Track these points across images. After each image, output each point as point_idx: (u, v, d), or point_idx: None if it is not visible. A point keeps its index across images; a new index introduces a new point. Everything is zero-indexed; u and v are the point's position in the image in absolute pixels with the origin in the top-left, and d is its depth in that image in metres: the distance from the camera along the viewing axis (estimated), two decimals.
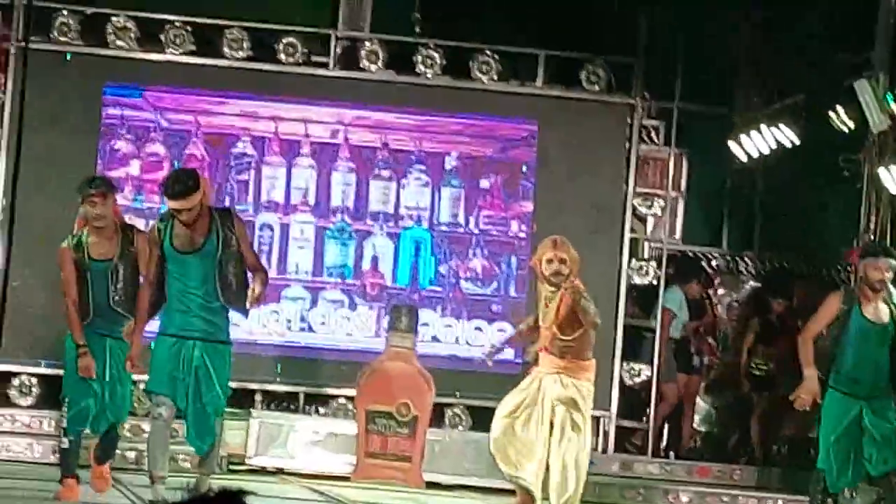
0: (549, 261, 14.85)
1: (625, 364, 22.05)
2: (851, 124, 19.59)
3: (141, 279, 14.74)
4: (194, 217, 14.20)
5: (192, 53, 21.47)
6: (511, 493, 18.66)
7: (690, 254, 23.31)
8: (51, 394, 19.66)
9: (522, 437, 15.10)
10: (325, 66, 21.90)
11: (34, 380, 20.66)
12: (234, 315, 20.15)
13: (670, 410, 22.89)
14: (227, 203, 21.35)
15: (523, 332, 16.06)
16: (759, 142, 21.69)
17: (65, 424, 14.92)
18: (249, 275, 14.36)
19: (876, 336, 15.59)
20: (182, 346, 14.16)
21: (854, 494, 19.19)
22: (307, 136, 22.34)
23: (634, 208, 22.10)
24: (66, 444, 14.81)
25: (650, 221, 22.39)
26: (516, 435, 15.13)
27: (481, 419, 20.42)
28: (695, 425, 23.52)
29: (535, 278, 15.49)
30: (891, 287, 15.64)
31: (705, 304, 22.99)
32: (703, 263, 23.51)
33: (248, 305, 14.59)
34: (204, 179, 14.94)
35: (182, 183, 14.38)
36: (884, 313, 15.52)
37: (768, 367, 22.58)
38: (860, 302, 15.61)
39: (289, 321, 22.16)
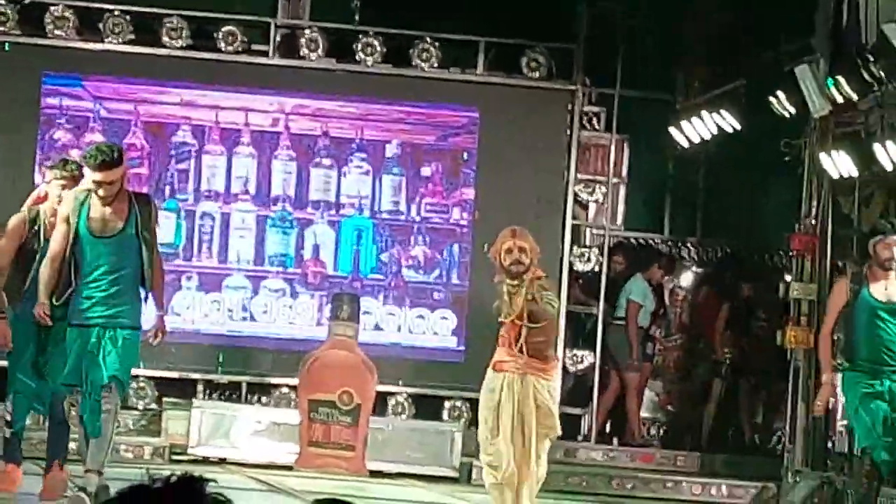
0: (509, 250, 14.43)
1: (567, 351, 21.85)
2: (792, 110, 19.74)
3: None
4: (113, 194, 14.05)
5: (131, 42, 21.42)
6: (452, 480, 20.16)
7: (633, 240, 23.41)
8: None
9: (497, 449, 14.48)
10: (264, 54, 21.95)
11: None
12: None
13: (637, 398, 22.84)
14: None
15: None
16: (700, 128, 21.78)
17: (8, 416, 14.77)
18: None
19: (891, 316, 15.37)
20: (85, 333, 13.93)
21: (798, 479, 19.51)
22: (247, 124, 22.47)
23: (576, 195, 22.14)
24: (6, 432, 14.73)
25: (592, 208, 22.43)
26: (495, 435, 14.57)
27: (425, 407, 21.71)
28: (648, 413, 23.60)
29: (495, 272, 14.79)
30: None
31: (661, 291, 23.01)
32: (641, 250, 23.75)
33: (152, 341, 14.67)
34: (125, 160, 14.93)
35: (105, 154, 14.22)
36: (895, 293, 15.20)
37: (733, 354, 22.84)
38: (869, 283, 15.45)
39: (230, 311, 22.24)
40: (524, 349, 14.37)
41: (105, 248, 13.97)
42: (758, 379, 22.99)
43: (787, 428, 21.09)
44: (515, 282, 14.29)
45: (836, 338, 15.92)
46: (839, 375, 15.77)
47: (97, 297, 13.87)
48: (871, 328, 15.32)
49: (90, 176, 14.03)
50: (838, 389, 16.26)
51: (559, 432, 14.92)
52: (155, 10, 21.59)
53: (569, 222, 22.17)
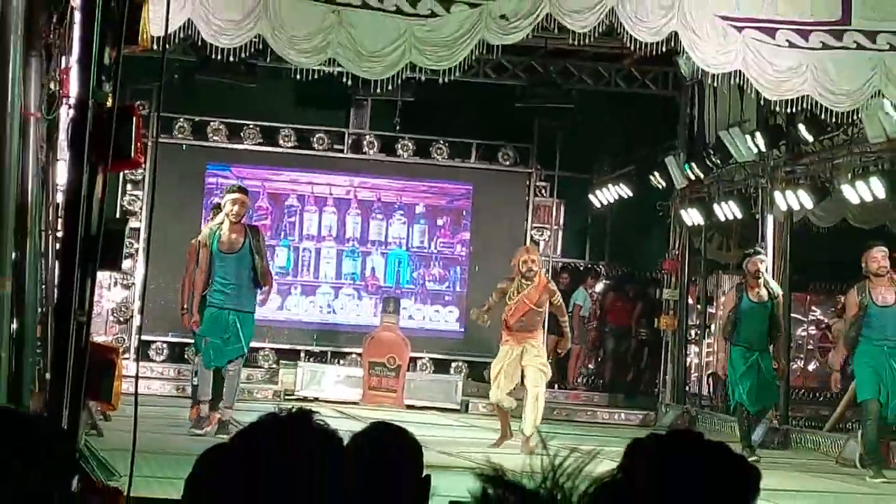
0: (524, 262, 14.67)
1: None
2: (664, 183, 20.44)
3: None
4: (241, 215, 13.92)
5: (260, 144, 21.60)
6: (456, 411, 19.95)
7: (569, 264, 23.24)
8: (174, 355, 20.55)
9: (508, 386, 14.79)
10: (341, 150, 22.04)
11: (164, 345, 20.62)
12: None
13: (576, 360, 22.71)
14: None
15: (491, 306, 15.44)
16: (607, 195, 22.01)
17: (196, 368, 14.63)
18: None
19: (760, 311, 15.17)
20: (222, 314, 13.79)
21: (667, 409, 20.19)
22: (331, 194, 22.35)
23: (532, 236, 22.05)
24: (195, 381, 14.52)
25: (542, 244, 21.86)
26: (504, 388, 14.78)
27: (438, 366, 21.71)
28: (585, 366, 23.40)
29: (511, 275, 14.98)
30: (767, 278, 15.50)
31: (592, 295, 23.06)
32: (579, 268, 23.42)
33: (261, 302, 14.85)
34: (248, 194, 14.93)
35: (239, 186, 14.64)
36: (890, 296, 13.60)
37: (647, 332, 22.55)
38: (746, 290, 15.18)
39: (321, 307, 22.17)
40: (531, 325, 14.73)
41: (230, 260, 13.72)
42: (648, 346, 22.75)
43: (661, 377, 21.32)
44: (528, 282, 14.53)
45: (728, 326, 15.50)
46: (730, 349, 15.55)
47: (228, 291, 13.69)
48: (748, 320, 15.01)
49: (229, 198, 13.95)
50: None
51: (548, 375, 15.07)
52: (274, 124, 21.57)
53: None
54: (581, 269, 23.54)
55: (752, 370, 15.04)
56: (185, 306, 14.16)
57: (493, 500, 1.32)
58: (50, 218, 8.63)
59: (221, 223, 14.05)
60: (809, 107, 13.20)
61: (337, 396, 19.99)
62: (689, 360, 21.39)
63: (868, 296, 13.40)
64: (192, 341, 15.23)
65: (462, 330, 22.39)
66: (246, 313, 14.16)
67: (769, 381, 15.33)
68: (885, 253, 13.45)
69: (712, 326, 21.48)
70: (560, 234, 22.97)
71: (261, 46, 12.46)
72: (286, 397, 19.75)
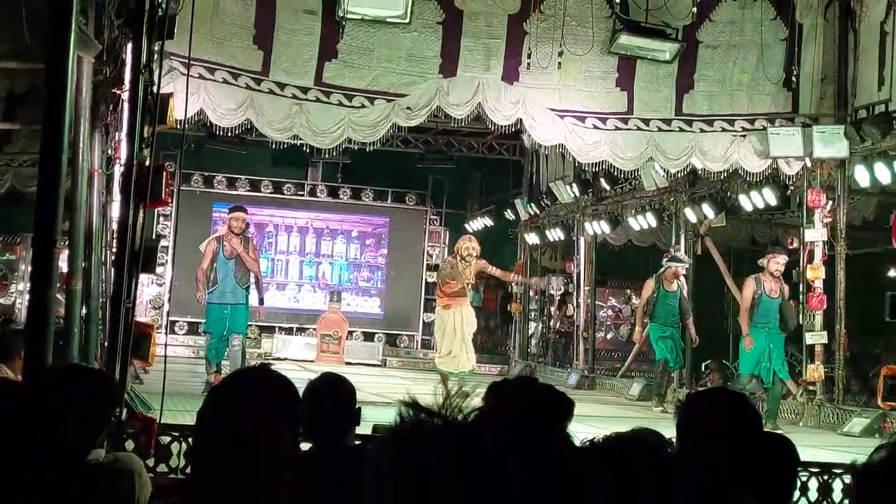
0: (466, 247, 13.07)
1: (423, 313, 21.66)
2: (513, 217, 20.38)
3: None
4: (242, 228, 12.63)
5: (248, 190, 21.22)
6: (378, 366, 19.62)
7: None
8: (191, 330, 20.13)
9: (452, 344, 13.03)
10: (302, 195, 21.67)
11: (185, 323, 20.31)
12: (268, 297, 18.69)
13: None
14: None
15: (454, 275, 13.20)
16: (477, 225, 21.62)
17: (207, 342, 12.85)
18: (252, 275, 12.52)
19: (672, 298, 13.70)
20: (223, 310, 12.41)
21: (515, 364, 19.83)
22: (295, 223, 21.97)
23: (428, 253, 22.01)
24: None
25: (434, 256, 21.81)
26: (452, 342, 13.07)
27: (367, 337, 21.27)
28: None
29: (453, 260, 13.22)
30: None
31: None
32: None
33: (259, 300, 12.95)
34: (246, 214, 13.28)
35: (240, 208, 13.21)
36: (775, 292, 12.04)
37: (504, 313, 22.11)
38: (663, 282, 13.61)
39: (289, 298, 21.79)
40: (464, 295, 13.11)
41: (230, 264, 12.35)
42: (505, 322, 22.53)
43: (512, 343, 21.28)
44: (466, 263, 13.01)
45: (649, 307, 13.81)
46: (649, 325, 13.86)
47: (227, 290, 12.35)
48: (664, 303, 13.47)
49: (232, 215, 12.71)
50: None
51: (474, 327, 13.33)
52: (257, 177, 21.30)
53: (424, 267, 21.95)
54: None
55: (667, 339, 13.63)
56: (201, 289, 12.73)
57: (406, 419, 1.34)
58: (108, 239, 8.69)
59: (224, 234, 12.90)
60: (607, 167, 13.27)
61: (299, 357, 19.60)
62: (529, 331, 21.45)
63: (762, 289, 12.06)
64: (204, 322, 13.61)
65: (382, 313, 22.33)
66: (241, 305, 12.79)
67: (679, 349, 13.82)
68: (785, 260, 12.18)
69: (544, 309, 21.42)
70: (446, 250, 22.18)
71: (249, 126, 12.35)
72: (266, 357, 19.21)
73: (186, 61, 8.61)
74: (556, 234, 19.56)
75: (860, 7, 12.22)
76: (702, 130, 12.66)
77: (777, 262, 11.99)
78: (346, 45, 11.94)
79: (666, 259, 14.09)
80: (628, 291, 21.91)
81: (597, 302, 19.90)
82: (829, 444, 10.15)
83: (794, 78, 12.48)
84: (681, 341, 13.87)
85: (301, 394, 2.89)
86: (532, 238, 20.53)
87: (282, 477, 2.36)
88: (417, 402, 1.37)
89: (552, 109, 12.39)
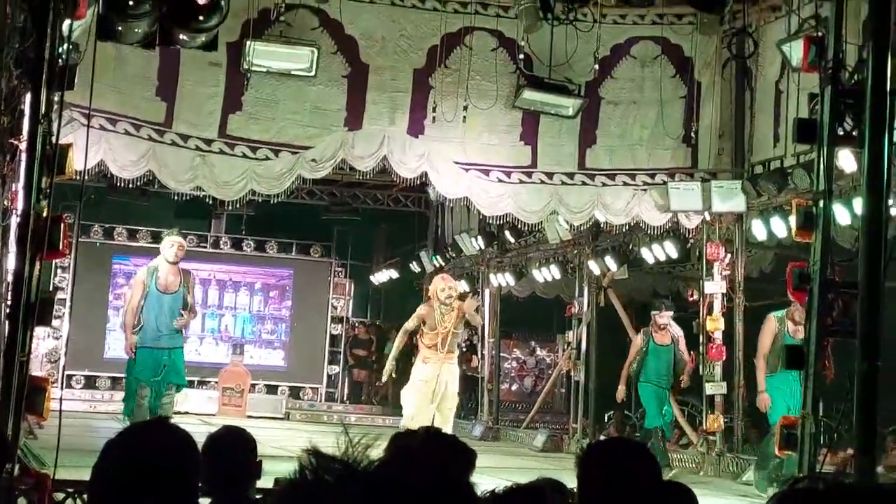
0: (443, 290, 11.78)
1: (328, 366, 21.78)
2: (419, 269, 20.26)
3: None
4: (178, 258, 11.46)
5: (149, 242, 19.88)
6: (282, 419, 19.18)
7: (356, 321, 22.41)
8: (88, 384, 19.85)
9: (429, 407, 11.48)
10: (205, 247, 21.30)
11: (81, 377, 19.90)
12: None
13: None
14: None
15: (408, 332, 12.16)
16: (382, 277, 21.77)
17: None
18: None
19: (665, 353, 12.48)
20: (162, 354, 11.20)
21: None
22: (198, 275, 18.87)
23: (333, 305, 21.87)
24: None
25: (339, 308, 21.79)
26: (425, 408, 11.49)
27: (270, 389, 21.03)
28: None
29: (428, 307, 12.00)
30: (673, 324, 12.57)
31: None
32: (363, 325, 22.63)
33: (177, 326, 11.47)
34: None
35: (180, 232, 12.09)
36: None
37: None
38: (652, 335, 12.51)
39: (190, 351, 19.20)
40: (446, 347, 11.63)
41: (166, 300, 11.24)
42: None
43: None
44: (446, 307, 11.66)
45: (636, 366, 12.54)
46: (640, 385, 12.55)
47: (162, 331, 11.15)
48: (655, 358, 12.26)
49: (169, 241, 11.53)
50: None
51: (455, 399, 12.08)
52: (159, 229, 17.87)
53: (329, 314, 21.75)
54: (369, 324, 23.00)
55: (662, 403, 12.53)
56: (130, 334, 11.31)
57: (307, 468, 1.33)
58: (2, 291, 8.45)
59: (158, 266, 11.52)
60: (512, 220, 13.40)
61: (201, 410, 19.20)
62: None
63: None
64: (126, 371, 11.82)
65: (285, 365, 22.10)
66: (179, 349, 11.59)
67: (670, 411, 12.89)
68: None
69: None
70: (351, 302, 22.65)
71: (151, 177, 12.19)
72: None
73: (87, 112, 8.51)
74: (461, 286, 19.58)
75: (756, 66, 12.57)
76: (604, 184, 12.83)
77: (662, 318, 12.51)
78: (250, 98, 11.92)
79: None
80: (532, 343, 22.08)
81: (501, 353, 19.93)
82: (729, 493, 10.27)
83: (693, 134, 12.74)
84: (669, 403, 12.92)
85: (201, 447, 2.90)
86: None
87: None
88: (319, 451, 1.37)
89: (457, 163, 12.49)
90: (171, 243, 11.73)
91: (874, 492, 1.32)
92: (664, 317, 12.50)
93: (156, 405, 11.20)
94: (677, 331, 12.67)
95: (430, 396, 11.69)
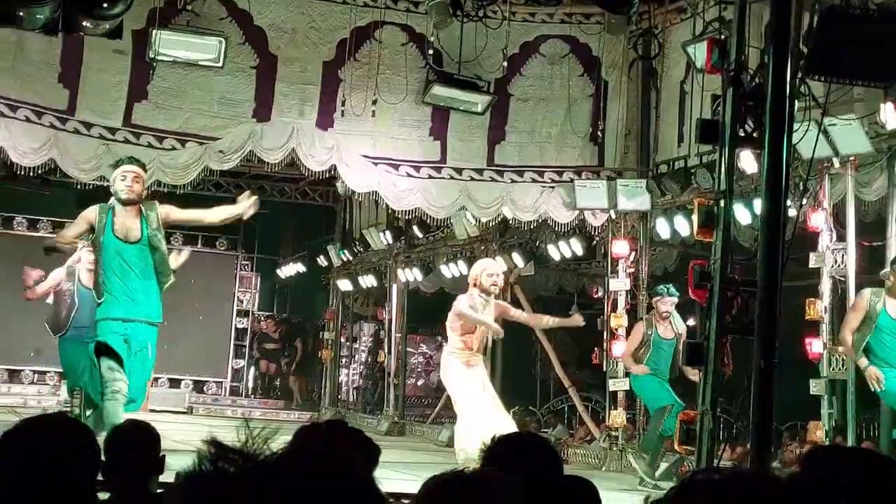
0: (490, 275, 9.98)
1: (233, 360, 21.72)
2: (326, 263, 20.26)
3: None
4: (136, 193, 8.76)
5: (51, 232, 18.30)
6: (184, 413, 18.97)
7: (259, 315, 22.45)
8: None
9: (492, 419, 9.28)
10: None
11: None
12: None
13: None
14: None
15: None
16: (289, 270, 21.77)
17: None
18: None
19: (667, 346, 11.07)
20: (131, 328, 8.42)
21: (325, 410, 19.62)
22: None
23: (240, 299, 21.73)
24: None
25: (245, 302, 21.77)
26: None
27: (175, 383, 20.78)
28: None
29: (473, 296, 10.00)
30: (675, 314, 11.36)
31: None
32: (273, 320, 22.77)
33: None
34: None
35: (133, 159, 9.24)
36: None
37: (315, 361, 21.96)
38: (655, 325, 11.31)
39: None
40: (482, 345, 10.26)
41: (132, 251, 8.63)
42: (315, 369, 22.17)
43: (322, 389, 20.87)
44: (488, 298, 10.01)
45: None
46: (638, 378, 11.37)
47: (134, 298, 8.52)
48: (657, 351, 11.09)
49: (120, 171, 8.87)
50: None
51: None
52: (62, 219, 18.03)
53: (235, 306, 21.71)
54: (279, 319, 22.97)
55: (663, 386, 11.27)
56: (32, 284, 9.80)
57: (207, 458, 1.33)
58: None
59: (112, 207, 8.78)
60: (420, 215, 13.42)
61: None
62: (340, 378, 21.44)
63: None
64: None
65: (189, 359, 21.58)
66: (155, 326, 8.68)
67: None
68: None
69: (356, 356, 21.43)
70: (257, 295, 22.57)
71: (53, 166, 11.96)
72: (66, 405, 18.32)
73: None
74: (368, 281, 19.61)
75: (661, 67, 12.80)
76: (513, 181, 12.97)
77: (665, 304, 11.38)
78: (156, 87, 11.80)
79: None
80: (439, 338, 21.93)
81: (408, 349, 19.98)
82: (631, 488, 10.42)
83: (599, 133, 12.91)
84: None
85: (101, 441, 2.86)
86: (345, 284, 20.48)
87: None
88: (218, 442, 1.37)
89: (366, 156, 12.50)
90: (124, 174, 8.89)
91: (764, 479, 1.36)
92: (666, 303, 11.31)
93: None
94: (681, 325, 11.50)
95: (490, 402, 9.88)
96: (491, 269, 10.16)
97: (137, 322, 8.59)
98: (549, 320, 11.36)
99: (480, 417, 9.44)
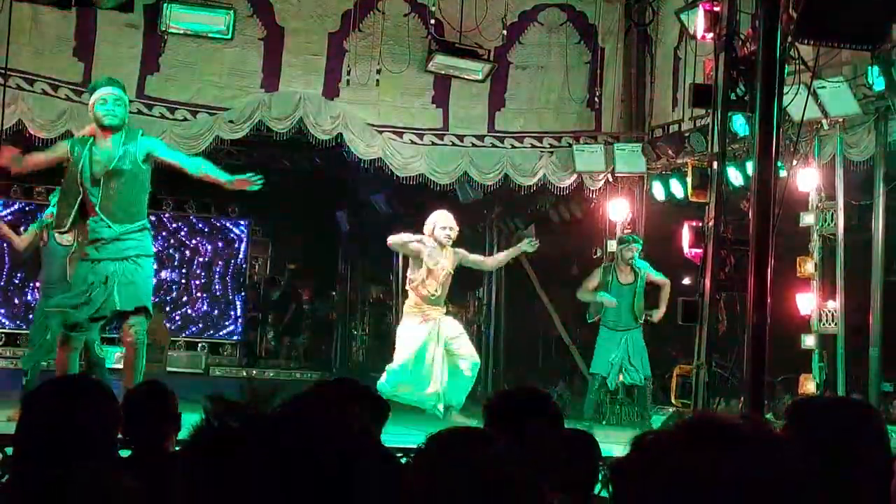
0: (444, 227, 10.01)
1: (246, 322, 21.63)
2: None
3: None
4: (118, 119, 7.81)
5: None
6: (200, 375, 18.78)
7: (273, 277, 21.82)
8: None
9: (422, 369, 9.72)
10: None
11: None
12: None
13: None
14: None
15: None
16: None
17: None
18: None
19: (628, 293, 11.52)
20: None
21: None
22: None
23: (252, 264, 21.62)
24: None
25: (257, 266, 21.52)
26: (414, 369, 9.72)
27: (191, 346, 20.54)
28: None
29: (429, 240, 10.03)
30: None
31: None
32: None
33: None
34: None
35: (110, 79, 8.24)
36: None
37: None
38: (616, 273, 11.61)
39: None
40: (440, 297, 10.09)
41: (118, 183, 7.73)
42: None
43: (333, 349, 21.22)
44: (442, 249, 10.05)
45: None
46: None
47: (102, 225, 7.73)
48: (616, 295, 11.54)
49: (98, 95, 7.91)
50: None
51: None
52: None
53: (248, 273, 21.56)
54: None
55: (615, 349, 11.62)
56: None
57: (211, 412, 1.34)
58: None
59: (92, 136, 7.78)
60: (424, 180, 13.39)
61: (119, 366, 18.96)
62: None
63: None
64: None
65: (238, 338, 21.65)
66: (145, 258, 7.78)
67: (635, 361, 11.73)
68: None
69: (365, 317, 21.37)
70: (268, 261, 22.31)
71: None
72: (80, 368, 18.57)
73: (3, 72, 8.31)
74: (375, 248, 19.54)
75: (656, 34, 12.79)
76: (513, 146, 13.01)
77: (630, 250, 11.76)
78: (168, 59, 11.84)
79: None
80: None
81: None
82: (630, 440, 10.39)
83: (596, 98, 12.96)
84: (642, 345, 11.80)
85: (121, 400, 2.89)
86: (352, 249, 20.41)
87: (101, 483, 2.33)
88: (222, 398, 1.38)
89: (370, 125, 12.53)
90: (102, 97, 7.84)
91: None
92: (632, 250, 11.72)
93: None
94: (643, 264, 11.78)
95: (427, 361, 9.85)
96: (444, 222, 10.08)
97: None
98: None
99: (397, 370, 9.73)
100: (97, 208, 7.65)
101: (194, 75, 11.99)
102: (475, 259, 10.72)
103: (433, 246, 10.01)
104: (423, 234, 10.16)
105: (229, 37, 11.55)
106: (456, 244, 10.40)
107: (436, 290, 9.98)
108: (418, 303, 10.04)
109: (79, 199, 7.71)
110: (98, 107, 7.85)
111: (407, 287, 10.30)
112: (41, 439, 2.37)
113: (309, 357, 21.97)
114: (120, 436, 2.94)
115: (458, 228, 10.19)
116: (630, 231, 12.75)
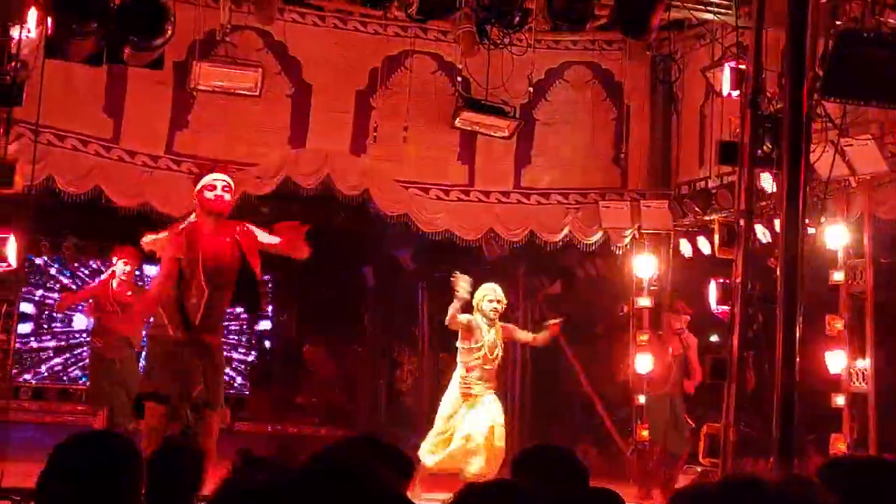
0: (491, 301, 9.83)
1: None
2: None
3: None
4: (227, 205, 8.19)
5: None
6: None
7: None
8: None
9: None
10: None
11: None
12: None
13: None
14: None
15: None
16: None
17: None
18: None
19: None
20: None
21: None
22: None
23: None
24: None
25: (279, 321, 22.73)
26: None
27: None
28: None
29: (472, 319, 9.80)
30: None
31: None
32: None
33: None
34: None
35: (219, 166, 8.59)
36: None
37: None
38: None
39: None
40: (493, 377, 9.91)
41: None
42: None
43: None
44: (491, 324, 9.86)
45: None
46: None
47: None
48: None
49: (207, 180, 8.14)
50: None
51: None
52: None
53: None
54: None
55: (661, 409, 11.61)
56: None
57: (239, 468, 1.34)
58: None
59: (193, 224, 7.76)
60: (450, 236, 13.38)
61: None
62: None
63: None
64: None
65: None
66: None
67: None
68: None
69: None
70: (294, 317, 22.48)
71: (99, 193, 11.97)
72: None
73: (34, 128, 8.41)
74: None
75: (682, 91, 12.79)
76: (539, 203, 13.01)
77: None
78: (197, 116, 11.91)
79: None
80: None
81: (440, 368, 19.70)
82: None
83: (623, 155, 12.95)
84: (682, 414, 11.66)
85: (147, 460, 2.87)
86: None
87: None
88: (249, 453, 1.37)
89: (397, 181, 12.58)
90: (212, 183, 7.75)
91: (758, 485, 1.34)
92: (682, 321, 11.44)
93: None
94: (692, 339, 11.52)
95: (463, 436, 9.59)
96: (491, 295, 9.87)
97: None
98: (541, 336, 10.74)
99: (432, 438, 9.61)
100: None
101: (223, 131, 12.07)
102: (524, 337, 10.51)
103: (483, 322, 9.81)
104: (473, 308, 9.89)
105: (257, 94, 11.62)
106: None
107: (483, 365, 9.75)
108: (464, 376, 9.81)
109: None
110: (206, 193, 8.07)
111: (458, 358, 10.00)
112: (61, 496, 2.35)
113: (332, 413, 21.92)
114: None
115: (506, 301, 9.94)
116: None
